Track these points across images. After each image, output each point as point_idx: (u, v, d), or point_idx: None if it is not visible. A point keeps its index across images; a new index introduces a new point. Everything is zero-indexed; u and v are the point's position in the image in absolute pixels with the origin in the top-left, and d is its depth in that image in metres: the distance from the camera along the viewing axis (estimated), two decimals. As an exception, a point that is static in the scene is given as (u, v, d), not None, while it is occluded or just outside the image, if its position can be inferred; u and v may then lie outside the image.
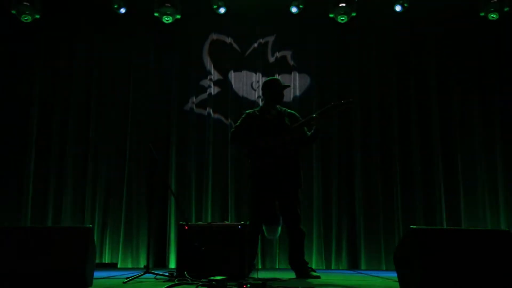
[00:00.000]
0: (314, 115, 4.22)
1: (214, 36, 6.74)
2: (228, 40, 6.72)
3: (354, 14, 6.18)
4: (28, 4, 6.05)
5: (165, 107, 6.60)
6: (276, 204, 4.27)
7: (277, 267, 6.14)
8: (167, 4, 6.11)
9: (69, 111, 6.51)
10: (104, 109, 6.56)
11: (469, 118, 6.48)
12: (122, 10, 6.26)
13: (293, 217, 4.26)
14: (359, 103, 6.45)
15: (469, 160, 6.38)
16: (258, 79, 6.60)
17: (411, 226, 2.87)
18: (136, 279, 3.65)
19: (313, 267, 4.99)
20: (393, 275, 3.61)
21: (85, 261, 2.99)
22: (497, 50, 6.52)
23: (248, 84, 6.67)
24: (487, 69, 6.53)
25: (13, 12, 6.12)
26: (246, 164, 4.43)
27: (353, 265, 6.21)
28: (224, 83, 6.66)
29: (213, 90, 6.63)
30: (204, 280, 3.14)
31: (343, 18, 6.18)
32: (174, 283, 3.29)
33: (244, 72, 6.68)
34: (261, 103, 6.20)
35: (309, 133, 4.36)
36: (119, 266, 6.13)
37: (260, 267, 6.02)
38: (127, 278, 3.62)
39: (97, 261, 5.44)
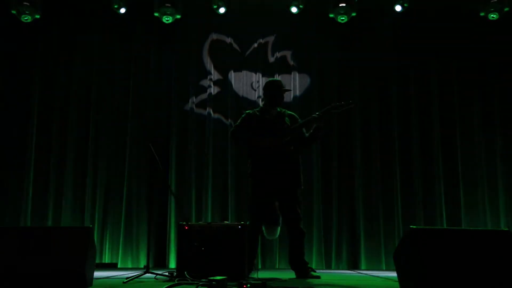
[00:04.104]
0: (313, 116, 4.22)
1: (214, 36, 6.73)
2: (228, 40, 6.72)
3: (354, 14, 6.18)
4: (28, 4, 6.05)
5: (165, 107, 6.60)
6: (276, 204, 4.27)
7: (277, 267, 6.14)
8: (167, 4, 6.11)
9: (69, 111, 6.51)
10: (104, 109, 6.55)
11: (470, 117, 6.48)
12: (122, 10, 6.26)
13: (293, 217, 4.26)
14: (359, 102, 6.45)
15: (469, 159, 6.39)
16: (258, 79, 6.60)
17: (411, 226, 2.87)
18: (136, 279, 3.65)
19: (313, 267, 4.99)
20: (393, 275, 3.61)
21: (85, 261, 2.99)
22: (497, 49, 6.52)
23: (248, 84, 6.67)
24: (487, 68, 6.53)
25: (13, 12, 6.12)
26: (246, 164, 4.42)
27: (353, 265, 6.21)
28: (224, 83, 6.66)
29: (213, 90, 6.63)
30: (204, 280, 3.14)
31: (343, 18, 6.18)
32: (174, 283, 3.29)
33: (244, 72, 6.68)
34: (261, 103, 6.21)
35: (307, 134, 4.36)
36: (119, 266, 6.13)
37: (260, 267, 6.03)
38: (127, 278, 3.62)
39: (97, 261, 5.43)
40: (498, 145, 6.40)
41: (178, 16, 6.26)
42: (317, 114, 4.23)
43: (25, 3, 6.04)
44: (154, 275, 3.82)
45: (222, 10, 6.29)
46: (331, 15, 6.21)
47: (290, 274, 4.32)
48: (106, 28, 6.65)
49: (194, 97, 6.60)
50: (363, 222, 6.24)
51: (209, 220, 6.11)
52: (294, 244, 4.29)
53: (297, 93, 6.60)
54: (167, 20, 6.22)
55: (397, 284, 3.04)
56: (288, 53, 6.69)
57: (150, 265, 4.08)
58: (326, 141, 6.39)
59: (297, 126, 4.31)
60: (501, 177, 6.33)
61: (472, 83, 6.53)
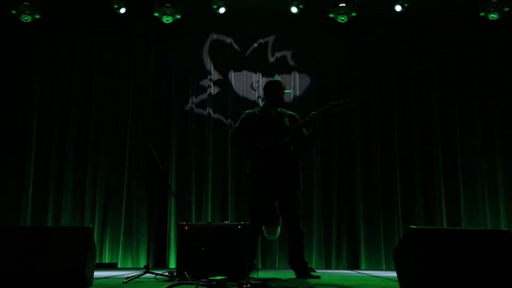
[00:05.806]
0: (312, 115, 4.22)
1: (214, 36, 6.74)
2: (228, 40, 6.72)
3: (354, 14, 6.18)
4: (28, 4, 6.05)
5: (165, 107, 6.60)
6: (275, 204, 4.27)
7: (277, 267, 6.14)
8: (167, 4, 6.11)
9: (69, 111, 6.51)
10: (104, 109, 6.56)
11: (470, 117, 6.48)
12: (122, 10, 6.26)
13: (293, 217, 4.26)
14: (359, 102, 6.46)
15: (469, 159, 6.38)
16: (258, 79, 6.60)
17: (411, 226, 2.87)
18: (136, 279, 3.65)
19: (313, 267, 4.99)
20: (393, 275, 3.61)
21: (85, 261, 2.98)
22: (497, 49, 6.52)
23: (248, 84, 6.67)
24: (487, 67, 6.53)
25: (13, 12, 6.12)
26: (246, 164, 4.43)
27: (353, 265, 6.21)
28: (224, 83, 6.66)
29: (213, 90, 6.64)
30: (204, 280, 3.14)
31: (343, 18, 6.18)
32: (174, 283, 3.29)
33: (244, 72, 6.68)
34: (261, 103, 6.21)
35: (306, 134, 4.36)
36: (119, 266, 6.13)
37: (260, 267, 6.03)
38: (127, 278, 3.62)
39: (97, 261, 5.44)
40: (498, 145, 6.40)
41: (178, 16, 6.26)
42: (316, 114, 4.22)
43: (25, 3, 6.04)
44: (154, 275, 3.82)
45: (222, 10, 6.29)
46: (331, 15, 6.21)
47: (290, 274, 4.32)
48: (106, 28, 6.65)
49: (194, 97, 6.60)
50: (363, 222, 6.24)
51: (209, 220, 6.11)
52: (294, 244, 4.29)
53: (297, 93, 6.60)
54: (167, 20, 6.22)
55: (397, 284, 3.04)
56: (288, 53, 6.69)
57: (150, 265, 4.08)
58: (326, 142, 6.39)
59: (296, 126, 4.31)
60: (501, 177, 6.33)
61: (472, 83, 6.52)
